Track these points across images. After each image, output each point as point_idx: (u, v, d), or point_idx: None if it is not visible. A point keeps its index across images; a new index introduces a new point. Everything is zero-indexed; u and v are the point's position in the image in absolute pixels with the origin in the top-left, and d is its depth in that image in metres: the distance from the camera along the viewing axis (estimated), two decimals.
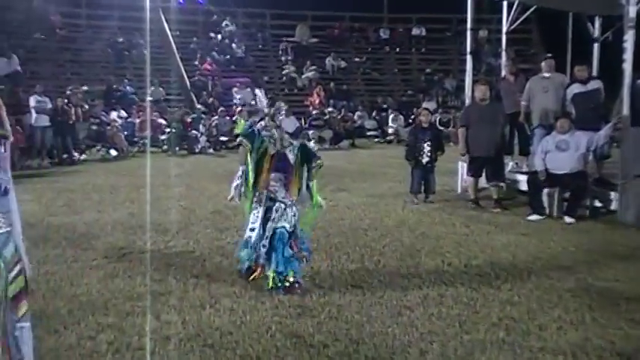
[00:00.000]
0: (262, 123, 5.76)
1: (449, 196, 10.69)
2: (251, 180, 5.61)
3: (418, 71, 29.52)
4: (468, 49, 12.14)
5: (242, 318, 4.82)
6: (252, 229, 5.54)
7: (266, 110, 5.87)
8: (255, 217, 5.58)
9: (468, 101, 11.46)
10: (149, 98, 21.61)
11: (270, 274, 5.43)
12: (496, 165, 9.64)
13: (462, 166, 10.88)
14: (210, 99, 23.88)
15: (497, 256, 6.76)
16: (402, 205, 9.82)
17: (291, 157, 5.67)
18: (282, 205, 5.56)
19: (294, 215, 5.61)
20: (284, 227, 5.52)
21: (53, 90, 19.72)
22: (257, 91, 6.55)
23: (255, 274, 5.64)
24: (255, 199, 5.65)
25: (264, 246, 5.48)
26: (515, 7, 12.42)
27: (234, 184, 5.73)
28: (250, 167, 5.62)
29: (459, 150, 10.01)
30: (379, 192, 11.16)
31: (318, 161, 5.76)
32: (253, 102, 6.13)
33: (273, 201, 5.58)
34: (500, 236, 7.72)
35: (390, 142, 23.15)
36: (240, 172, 5.71)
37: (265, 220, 5.55)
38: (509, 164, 11.23)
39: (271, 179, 5.61)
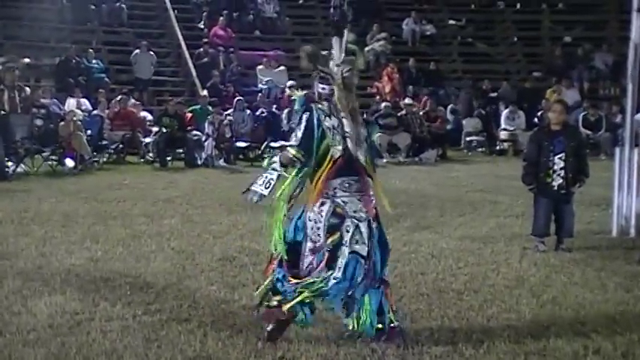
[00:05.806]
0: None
1: (597, 242, 10.54)
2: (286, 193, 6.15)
3: (551, 40, 29.46)
4: (636, 4, 11.86)
5: None
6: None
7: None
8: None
9: (630, 87, 11.31)
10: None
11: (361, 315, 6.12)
12: None
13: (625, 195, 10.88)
14: (223, 83, 24.18)
15: None
16: (519, 254, 9.72)
17: (360, 156, 6.15)
18: (354, 223, 6.06)
19: (372, 235, 6.12)
20: (357, 253, 6.04)
21: None
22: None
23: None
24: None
25: (335, 278, 6.01)
26: None
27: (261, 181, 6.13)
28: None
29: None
30: (483, 233, 11.08)
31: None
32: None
33: (341, 217, 6.03)
34: None
35: (502, 153, 23.11)
36: (272, 176, 6.13)
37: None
38: None
39: (337, 187, 6.07)
